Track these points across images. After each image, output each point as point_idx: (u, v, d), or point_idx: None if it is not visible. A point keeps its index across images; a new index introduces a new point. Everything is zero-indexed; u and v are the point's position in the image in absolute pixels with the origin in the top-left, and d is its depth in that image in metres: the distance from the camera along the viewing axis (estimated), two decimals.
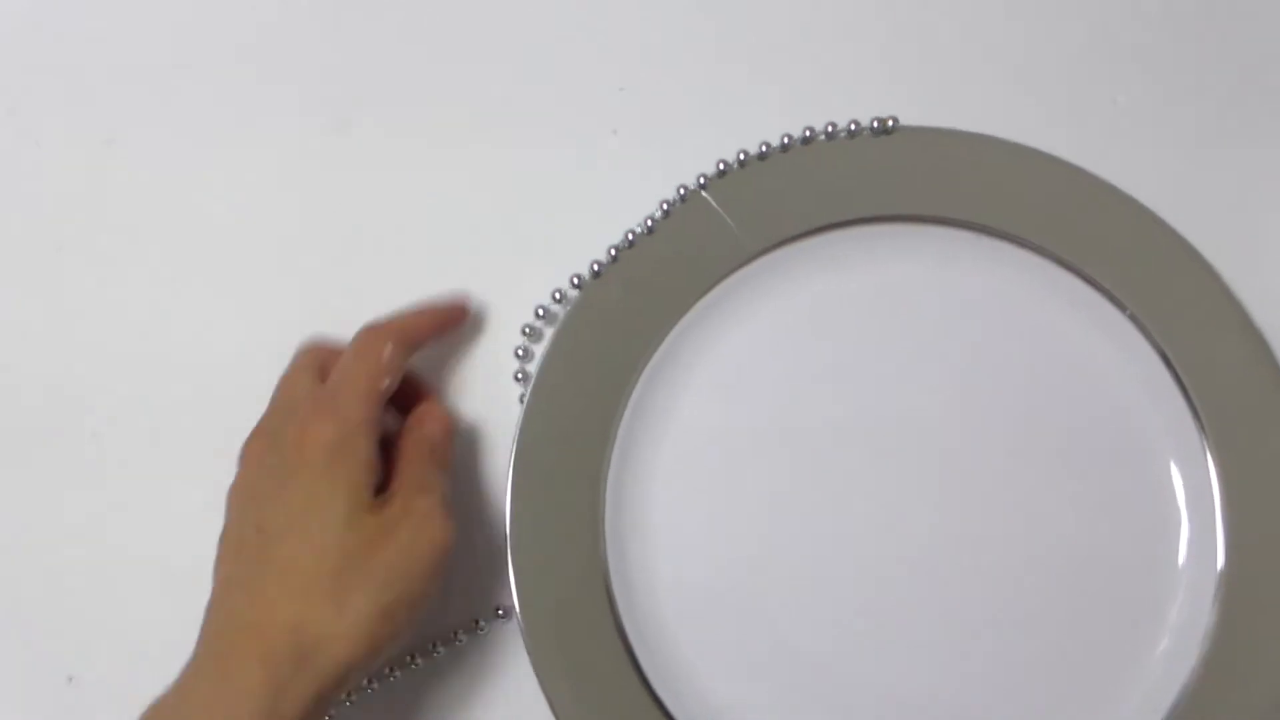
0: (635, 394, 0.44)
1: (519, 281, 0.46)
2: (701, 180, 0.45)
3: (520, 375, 0.45)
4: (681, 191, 0.45)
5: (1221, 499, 0.42)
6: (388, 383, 0.40)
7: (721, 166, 0.45)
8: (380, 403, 0.39)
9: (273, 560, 0.35)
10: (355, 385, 0.39)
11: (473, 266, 0.46)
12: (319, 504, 0.36)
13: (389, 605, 0.35)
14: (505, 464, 0.42)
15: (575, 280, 0.44)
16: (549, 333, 0.45)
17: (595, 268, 0.44)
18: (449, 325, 0.44)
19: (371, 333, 0.41)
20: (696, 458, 0.44)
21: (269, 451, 0.39)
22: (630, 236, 0.45)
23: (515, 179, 0.46)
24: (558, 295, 0.45)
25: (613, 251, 0.45)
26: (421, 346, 0.42)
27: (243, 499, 0.38)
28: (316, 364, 0.41)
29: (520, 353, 0.45)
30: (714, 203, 0.45)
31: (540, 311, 0.45)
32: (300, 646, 0.34)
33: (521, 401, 0.43)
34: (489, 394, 0.45)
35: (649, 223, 0.45)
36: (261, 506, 0.37)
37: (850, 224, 0.45)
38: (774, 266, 0.45)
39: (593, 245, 0.45)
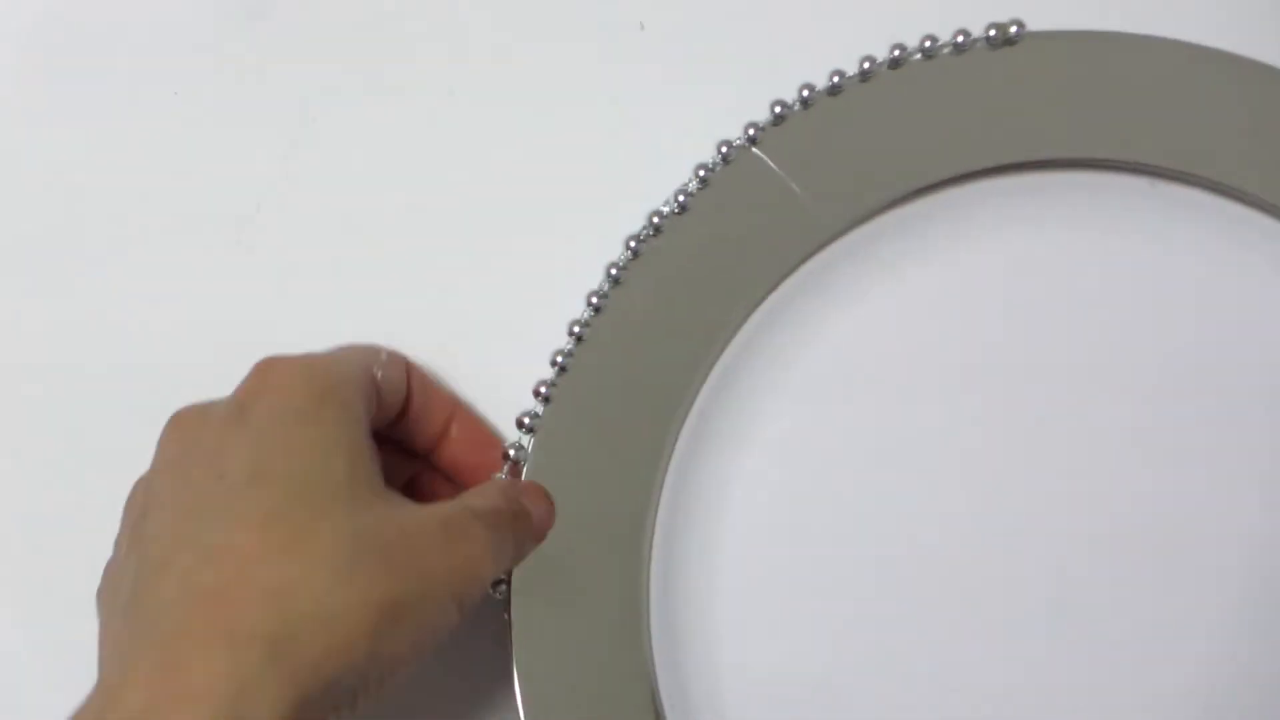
0: (678, 448, 0.37)
1: (508, 317, 0.39)
2: (752, 132, 0.37)
3: (523, 433, 0.37)
4: (724, 151, 0.37)
5: None
6: (380, 374, 0.34)
7: (778, 111, 0.37)
8: (373, 392, 0.34)
9: (242, 503, 0.29)
10: (343, 356, 0.34)
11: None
12: (307, 444, 0.30)
13: (400, 599, 0.28)
14: None
15: (592, 301, 0.37)
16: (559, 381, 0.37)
17: (613, 273, 0.37)
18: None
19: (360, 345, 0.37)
20: (763, 533, 0.38)
21: (212, 407, 0.32)
22: (656, 221, 0.37)
23: (498, 146, 0.40)
24: (574, 329, 0.37)
25: (632, 245, 0.37)
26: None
27: (181, 442, 0.31)
28: None
29: (525, 422, 0.37)
30: (771, 162, 0.37)
31: (556, 360, 0.37)
32: (279, 627, 0.27)
33: (521, 460, 0.36)
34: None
35: (680, 200, 0.37)
36: (219, 445, 0.30)
37: (964, 179, 0.37)
38: (859, 249, 0.38)
39: (607, 237, 0.37)
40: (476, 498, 0.32)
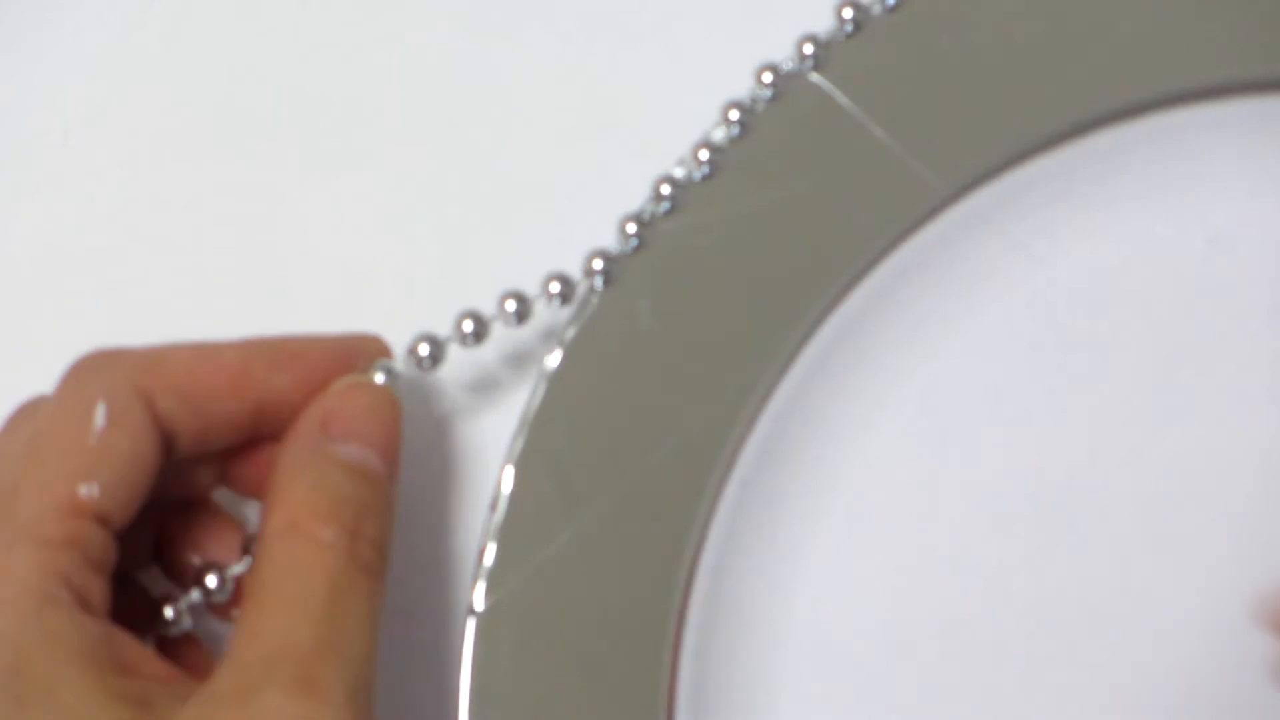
0: (721, 509, 0.29)
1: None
2: (811, 50, 0.30)
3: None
4: (769, 80, 0.30)
5: None
6: (90, 491, 0.25)
7: (849, 17, 0.30)
8: (90, 517, 0.25)
9: None
10: (30, 493, 0.25)
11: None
12: None
13: None
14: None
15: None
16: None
17: (598, 265, 0.29)
18: (305, 382, 0.27)
19: (86, 372, 0.26)
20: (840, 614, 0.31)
21: None
22: (667, 192, 0.29)
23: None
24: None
25: (631, 231, 0.29)
26: (211, 415, 0.27)
27: None
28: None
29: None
30: (841, 95, 0.31)
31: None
32: None
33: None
34: (457, 486, 0.32)
35: (705, 158, 0.30)
36: None
37: (1127, 116, 0.30)
38: (976, 222, 0.32)
39: (594, 215, 0.31)
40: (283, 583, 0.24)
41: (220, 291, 0.33)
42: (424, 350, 0.27)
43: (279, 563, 0.25)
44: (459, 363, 0.31)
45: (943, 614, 0.30)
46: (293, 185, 0.33)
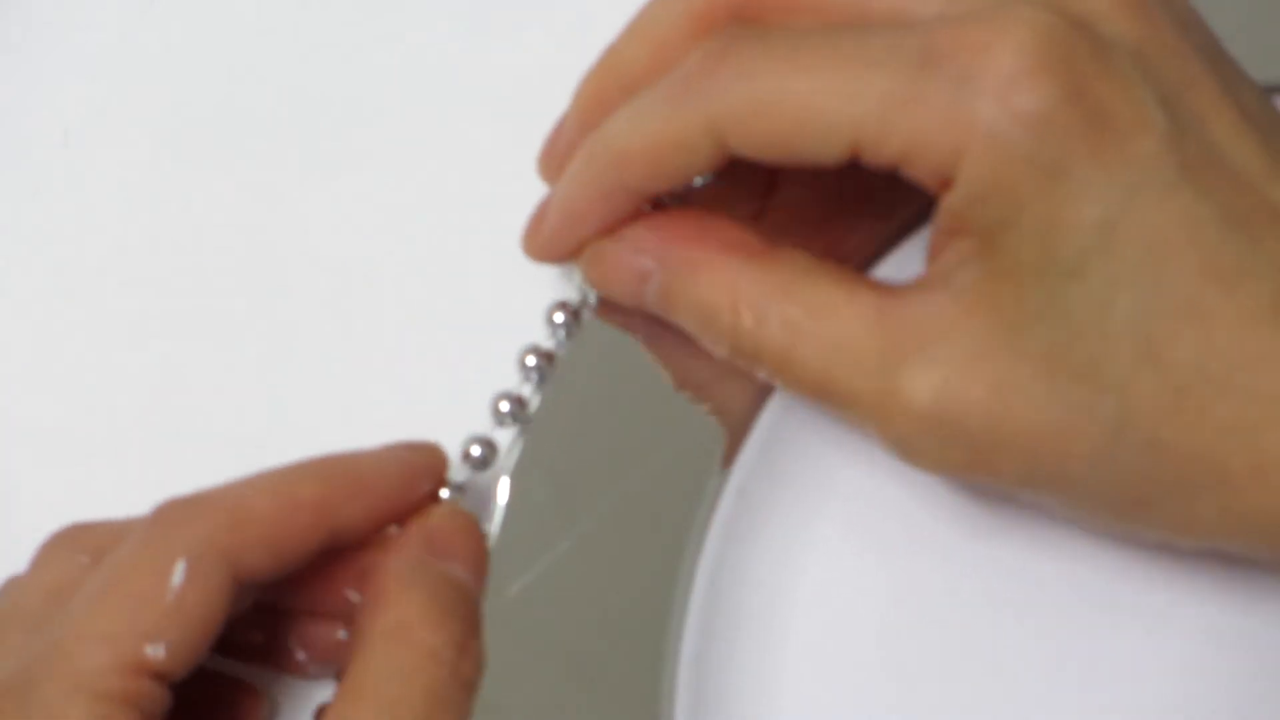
0: (717, 517, 0.28)
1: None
2: None
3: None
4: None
5: None
6: (156, 652, 0.24)
7: None
8: (151, 675, 0.24)
9: None
10: (95, 644, 0.24)
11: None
12: None
13: None
14: None
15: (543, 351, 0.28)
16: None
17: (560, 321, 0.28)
18: (386, 509, 0.26)
19: (169, 524, 0.25)
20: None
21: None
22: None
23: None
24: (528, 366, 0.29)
25: None
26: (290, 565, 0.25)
27: None
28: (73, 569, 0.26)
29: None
30: None
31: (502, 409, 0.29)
32: None
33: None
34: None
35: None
36: None
37: None
38: None
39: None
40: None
41: (220, 291, 0.32)
42: (475, 451, 0.27)
43: (382, 663, 0.24)
44: (458, 371, 0.30)
45: (942, 622, 0.30)
46: (293, 185, 0.33)
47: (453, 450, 0.29)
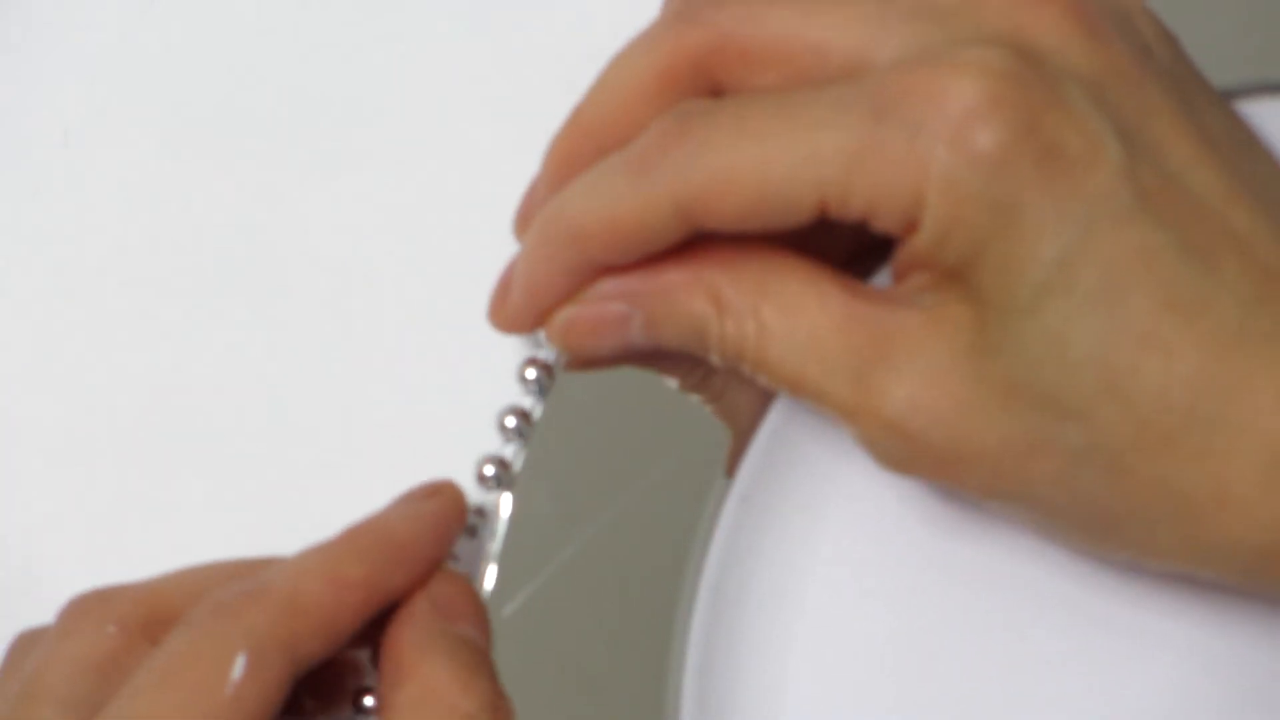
0: (720, 526, 0.28)
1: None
2: None
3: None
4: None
5: None
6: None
7: None
8: None
9: None
10: None
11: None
12: None
13: None
14: None
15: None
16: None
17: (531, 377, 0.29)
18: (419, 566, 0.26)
19: (227, 616, 0.24)
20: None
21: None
22: None
23: None
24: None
25: None
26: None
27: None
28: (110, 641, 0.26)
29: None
30: None
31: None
32: None
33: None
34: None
35: None
36: None
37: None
38: None
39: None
40: None
41: (220, 291, 0.32)
42: (489, 471, 0.27)
43: None
44: (458, 371, 0.31)
45: (947, 632, 0.29)
46: (293, 185, 0.33)
47: (457, 457, 0.29)
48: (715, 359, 0.24)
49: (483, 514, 0.27)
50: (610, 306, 0.25)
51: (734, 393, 0.27)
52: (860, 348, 0.23)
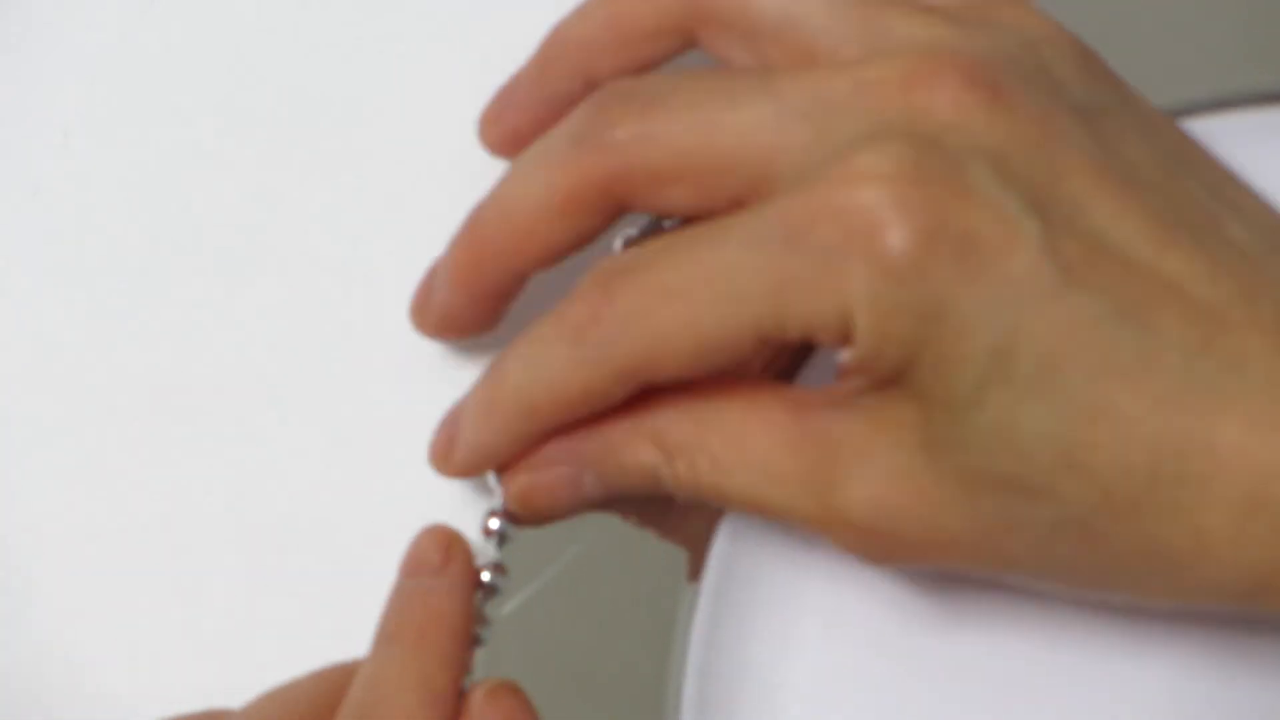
0: (721, 525, 0.27)
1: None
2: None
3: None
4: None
5: None
6: None
7: None
8: None
9: None
10: None
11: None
12: None
13: None
14: None
15: None
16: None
17: None
18: None
19: None
20: None
21: None
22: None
23: None
24: None
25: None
26: None
27: None
28: None
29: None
30: None
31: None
32: None
33: None
34: (457, 507, 0.30)
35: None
36: None
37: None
38: None
39: None
40: None
41: (220, 291, 0.32)
42: (494, 525, 0.27)
43: None
44: (457, 382, 0.30)
45: (949, 636, 0.29)
46: (293, 185, 0.33)
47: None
48: (681, 498, 0.25)
49: (501, 569, 0.27)
50: (560, 470, 0.25)
51: None
52: (814, 463, 0.23)
